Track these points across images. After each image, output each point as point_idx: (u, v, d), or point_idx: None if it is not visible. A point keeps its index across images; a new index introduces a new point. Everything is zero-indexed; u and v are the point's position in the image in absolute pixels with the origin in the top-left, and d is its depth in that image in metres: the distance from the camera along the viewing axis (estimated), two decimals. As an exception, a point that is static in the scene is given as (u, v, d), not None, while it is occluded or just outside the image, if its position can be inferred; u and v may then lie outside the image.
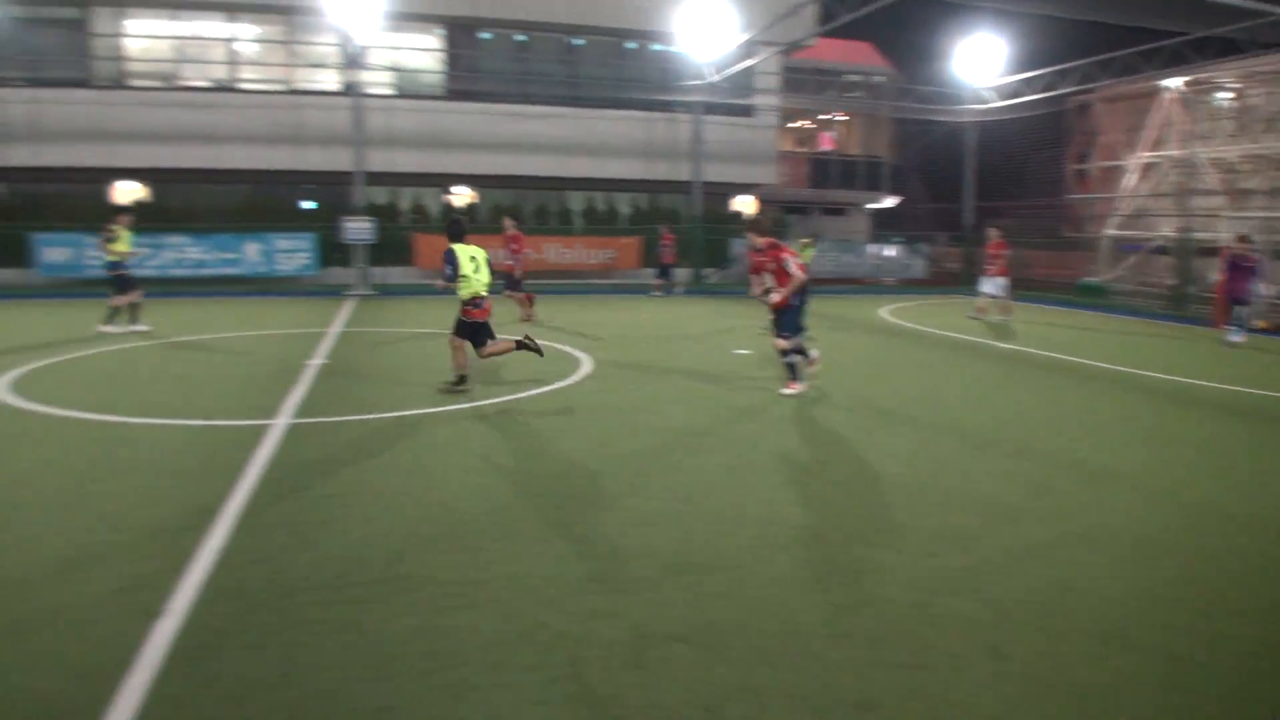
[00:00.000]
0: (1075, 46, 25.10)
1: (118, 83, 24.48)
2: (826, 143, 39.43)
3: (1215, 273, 18.32)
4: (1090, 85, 25.11)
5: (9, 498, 5.67)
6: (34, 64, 23.82)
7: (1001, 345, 14.22)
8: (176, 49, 24.87)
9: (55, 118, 23.31)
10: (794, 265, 8.94)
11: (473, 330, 9.27)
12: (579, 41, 27.31)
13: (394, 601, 4.17)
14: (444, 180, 26.55)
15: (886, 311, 19.68)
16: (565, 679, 3.50)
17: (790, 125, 37.58)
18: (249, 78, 25.41)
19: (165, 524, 5.20)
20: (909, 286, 27.70)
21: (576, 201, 27.81)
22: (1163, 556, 4.95)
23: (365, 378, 10.25)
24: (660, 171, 27.14)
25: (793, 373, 9.34)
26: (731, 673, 3.56)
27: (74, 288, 20.66)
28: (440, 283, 9.25)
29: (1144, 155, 27.37)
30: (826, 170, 36.80)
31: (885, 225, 38.14)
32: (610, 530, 5.18)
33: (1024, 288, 21.72)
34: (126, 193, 24.86)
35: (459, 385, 9.16)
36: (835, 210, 37.35)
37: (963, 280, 25.88)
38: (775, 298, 9.01)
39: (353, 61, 23.12)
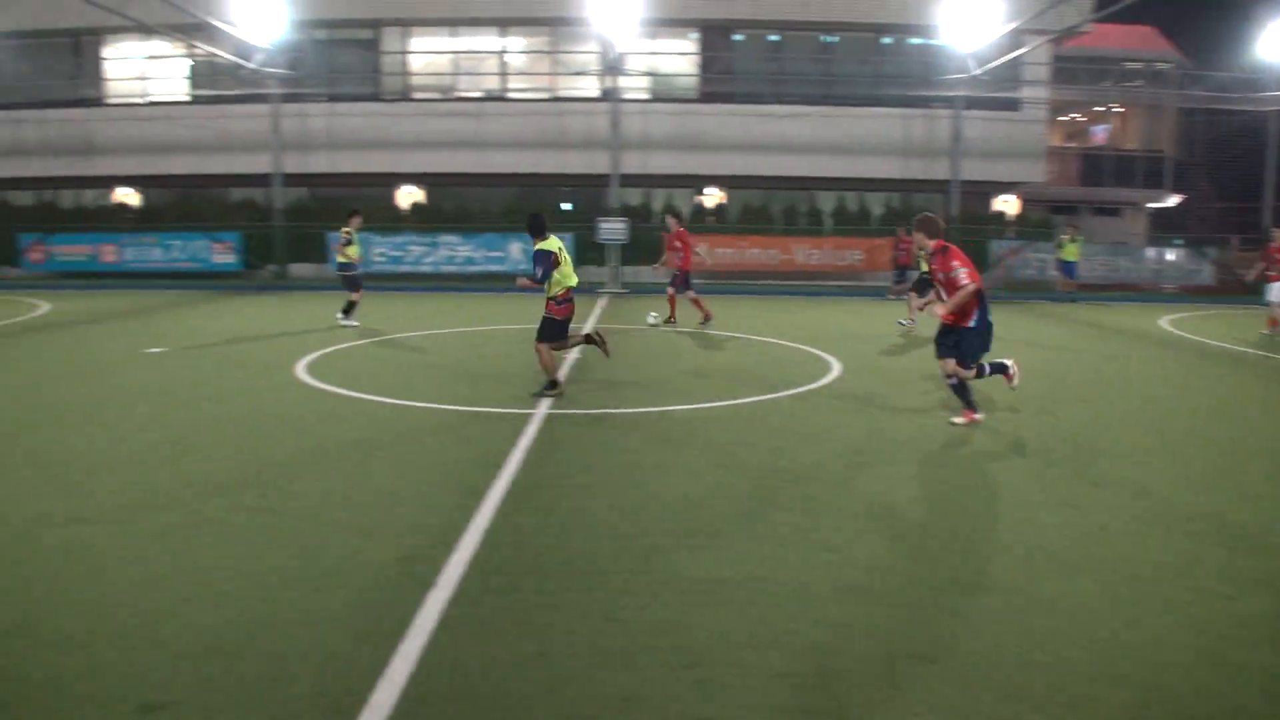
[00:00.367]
0: None
1: (403, 95, 26.81)
2: (1100, 137, 36.48)
3: None
4: None
5: (308, 467, 6.31)
6: (333, 81, 26.61)
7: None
8: (453, 63, 26.83)
9: (349, 129, 25.97)
10: (965, 274, 7.57)
11: (563, 329, 8.94)
12: (833, 39, 26.86)
13: (644, 593, 4.23)
14: (696, 181, 26.97)
15: (1166, 321, 17.92)
16: (814, 689, 3.40)
17: (1060, 119, 35.10)
18: (516, 87, 26.98)
19: (438, 501, 5.59)
20: (1193, 294, 25.05)
21: (827, 201, 27.35)
22: None
23: (617, 372, 10.57)
24: (916, 170, 26.17)
25: (965, 398, 7.95)
26: (998, 706, 3.32)
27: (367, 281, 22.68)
28: (523, 280, 8.94)
29: None
30: (1099, 166, 34.08)
31: (1166, 226, 34.80)
32: (864, 540, 5.00)
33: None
34: (407, 196, 27.17)
35: (551, 389, 8.83)
36: (1108, 210, 34.48)
37: (1257, 289, 23.07)
38: (940, 310, 7.71)
39: (612, 68, 23.97)
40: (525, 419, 7.88)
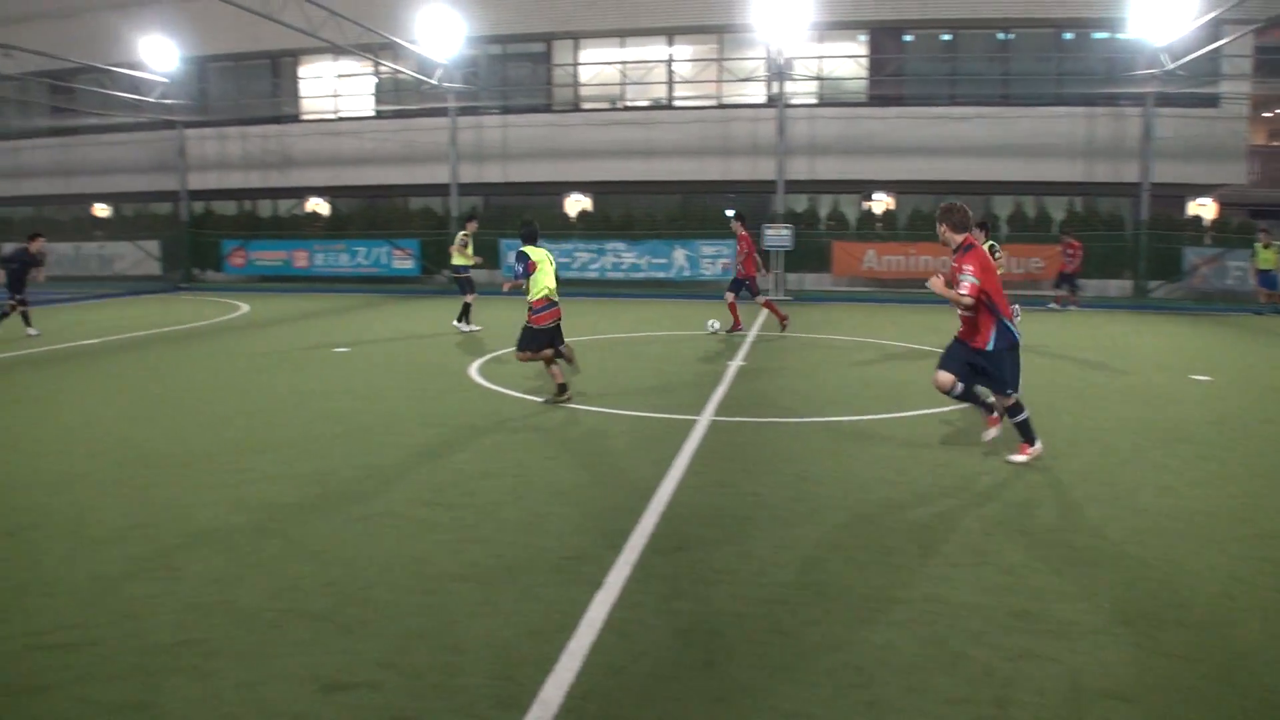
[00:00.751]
0: None
1: (572, 106, 27.52)
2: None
3: None
4: None
5: (481, 465, 6.55)
6: (507, 94, 27.63)
7: None
8: (621, 73, 27.31)
9: (521, 139, 26.91)
10: (968, 288, 6.40)
11: (549, 337, 8.99)
12: (1009, 36, 25.72)
13: (812, 607, 4.16)
14: (863, 186, 26.40)
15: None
16: (990, 719, 3.25)
17: (1263, 115, 32.36)
18: (683, 95, 27.19)
19: (606, 503, 5.69)
20: None
21: (1003, 207, 26.19)
22: None
23: (780, 381, 10.47)
24: (1101, 173, 24.69)
25: (1026, 433, 6.77)
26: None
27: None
28: (507, 284, 9.29)
29: None
30: (1310, 167, 31.21)
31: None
32: (1043, 564, 4.74)
33: None
34: (574, 204, 27.85)
35: (560, 396, 8.89)
36: (1320, 214, 31.51)
37: None
38: (934, 283, 6.70)
39: (778, 74, 23.80)
40: (690, 425, 7.91)
